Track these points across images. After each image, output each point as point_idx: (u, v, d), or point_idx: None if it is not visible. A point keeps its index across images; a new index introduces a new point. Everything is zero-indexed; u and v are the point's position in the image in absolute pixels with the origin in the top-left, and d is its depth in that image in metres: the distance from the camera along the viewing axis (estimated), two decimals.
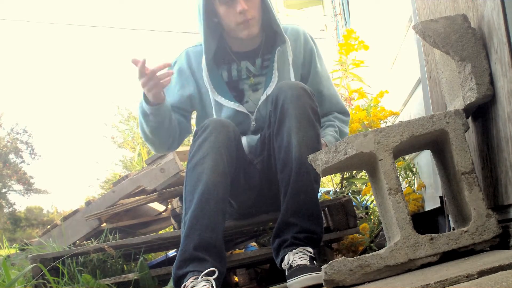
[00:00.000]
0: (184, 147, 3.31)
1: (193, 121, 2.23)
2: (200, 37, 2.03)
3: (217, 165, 1.74)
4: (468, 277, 0.98)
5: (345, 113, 2.17)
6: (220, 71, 2.07)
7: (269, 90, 2.02)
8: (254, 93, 2.07)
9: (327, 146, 1.91)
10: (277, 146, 1.80)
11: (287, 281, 1.62)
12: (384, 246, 1.34)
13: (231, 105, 2.02)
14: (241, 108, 2.03)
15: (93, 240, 2.86)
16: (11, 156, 19.14)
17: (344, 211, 2.23)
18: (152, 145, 2.10)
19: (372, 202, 2.69)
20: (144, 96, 1.92)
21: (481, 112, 1.36)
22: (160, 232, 3.64)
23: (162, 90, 1.91)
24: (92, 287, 2.09)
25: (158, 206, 3.73)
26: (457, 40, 1.32)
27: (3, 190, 18.97)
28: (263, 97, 2.03)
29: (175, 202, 3.34)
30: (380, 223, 2.33)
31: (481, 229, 1.27)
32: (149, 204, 3.50)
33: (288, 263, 1.66)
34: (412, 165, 2.36)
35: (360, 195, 2.67)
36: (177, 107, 2.09)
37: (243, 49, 2.08)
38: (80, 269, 2.19)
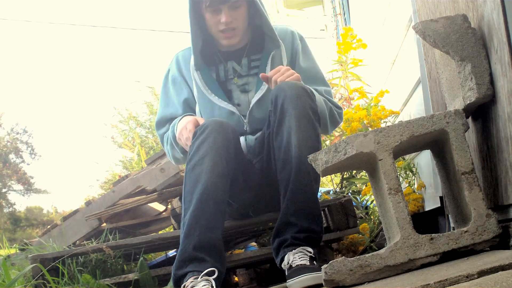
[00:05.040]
0: None
1: None
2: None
3: (216, 166, 1.74)
4: (468, 277, 0.98)
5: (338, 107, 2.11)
6: (210, 71, 2.09)
7: (260, 93, 2.02)
8: (243, 95, 2.06)
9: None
10: (276, 145, 1.80)
11: (287, 281, 1.62)
12: (384, 246, 1.34)
13: (224, 104, 2.02)
14: (234, 109, 2.02)
15: (93, 240, 2.86)
16: (11, 156, 19.15)
17: (344, 211, 2.22)
18: (177, 161, 2.18)
19: (372, 202, 2.69)
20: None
21: (481, 112, 1.36)
22: (160, 232, 3.64)
23: None
24: (92, 287, 2.09)
25: (158, 206, 3.73)
26: (457, 40, 1.32)
27: (3, 190, 18.98)
28: (254, 100, 2.02)
29: (175, 202, 3.34)
30: (380, 223, 2.33)
31: (481, 229, 1.27)
32: (149, 204, 3.50)
33: (288, 263, 1.65)
34: (412, 165, 2.36)
35: (360, 195, 2.67)
36: (182, 115, 2.09)
37: (229, 48, 2.08)
38: (80, 269, 2.19)
